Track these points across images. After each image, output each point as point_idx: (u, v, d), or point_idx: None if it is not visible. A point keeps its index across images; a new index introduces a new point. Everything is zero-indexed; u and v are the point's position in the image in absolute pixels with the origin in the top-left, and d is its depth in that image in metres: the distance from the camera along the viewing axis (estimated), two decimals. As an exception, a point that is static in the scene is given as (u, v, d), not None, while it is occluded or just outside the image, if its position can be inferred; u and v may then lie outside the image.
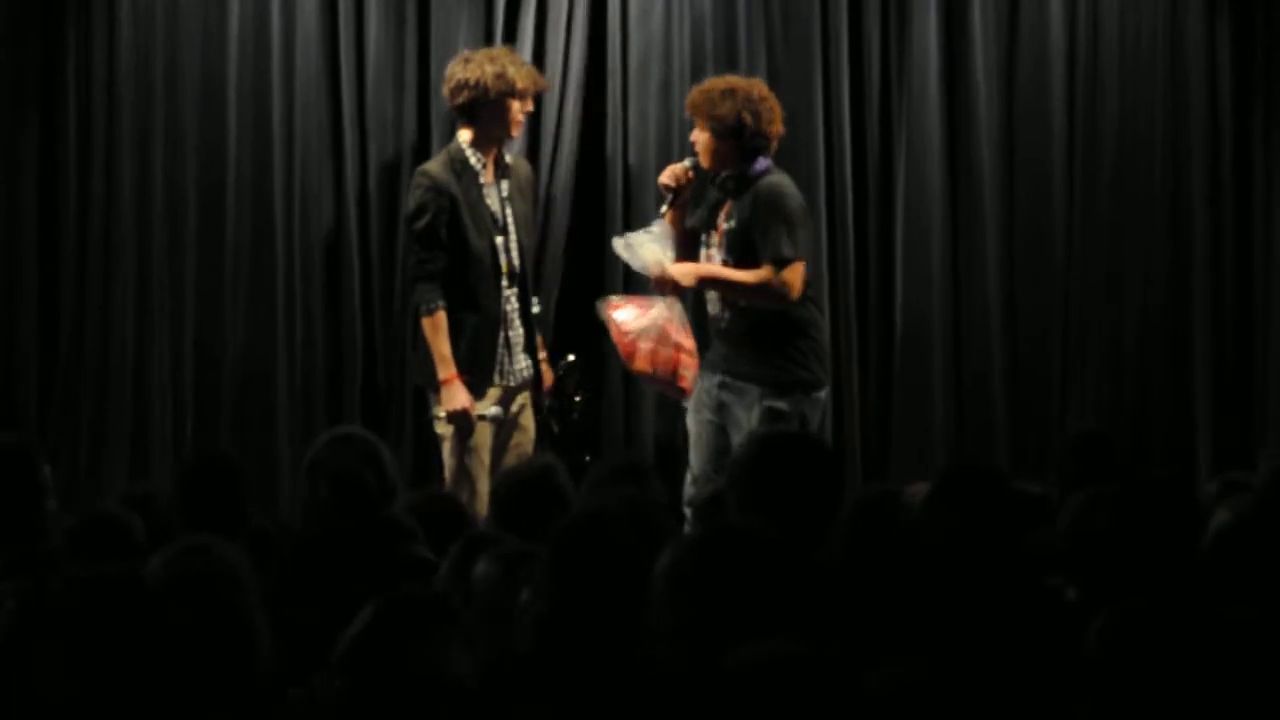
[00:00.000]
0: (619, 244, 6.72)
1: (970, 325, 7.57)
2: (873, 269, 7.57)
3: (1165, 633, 3.04)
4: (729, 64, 7.41)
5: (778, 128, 6.74)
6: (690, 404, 6.82)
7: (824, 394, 6.77)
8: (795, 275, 6.58)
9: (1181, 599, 3.61)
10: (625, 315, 6.69)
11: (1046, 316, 7.57)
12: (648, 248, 6.64)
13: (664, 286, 6.64)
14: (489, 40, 7.29)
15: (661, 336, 6.65)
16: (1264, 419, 7.45)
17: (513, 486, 5.19)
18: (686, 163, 6.76)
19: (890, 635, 3.39)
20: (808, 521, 4.12)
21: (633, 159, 7.44)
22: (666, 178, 6.77)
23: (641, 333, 6.66)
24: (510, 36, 7.36)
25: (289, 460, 7.20)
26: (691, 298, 6.91)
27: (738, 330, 6.70)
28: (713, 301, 6.78)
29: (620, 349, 6.70)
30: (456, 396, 6.70)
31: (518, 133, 6.97)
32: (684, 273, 6.65)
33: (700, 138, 6.70)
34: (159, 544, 4.22)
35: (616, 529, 3.72)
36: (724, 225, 6.71)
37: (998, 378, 7.54)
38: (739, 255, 6.66)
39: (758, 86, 6.79)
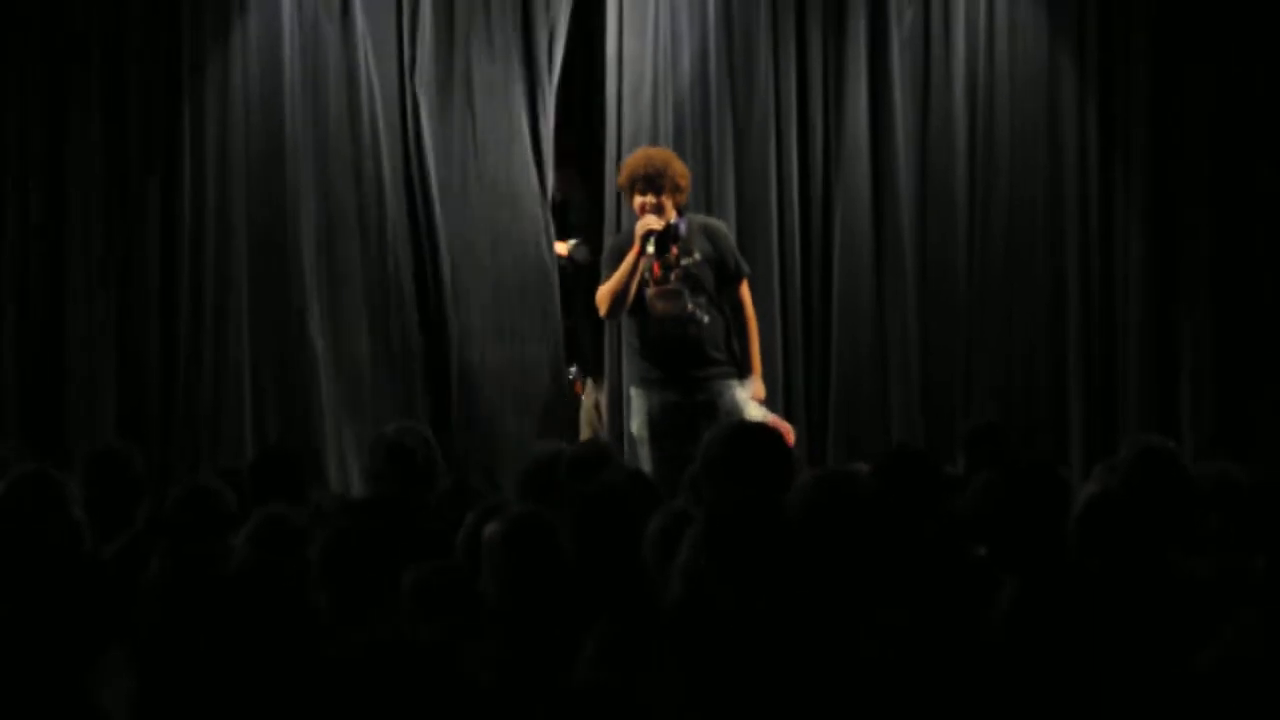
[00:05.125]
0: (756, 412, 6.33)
1: (893, 347, 7.38)
2: (815, 304, 7.37)
3: (1065, 595, 2.88)
4: (703, 139, 7.21)
5: None
6: (647, 434, 6.41)
7: None
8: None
9: (1075, 566, 3.52)
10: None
11: (953, 337, 7.40)
12: (750, 409, 6.34)
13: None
14: None
15: None
16: (1126, 414, 7.29)
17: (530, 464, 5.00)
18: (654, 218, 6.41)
19: (842, 586, 3.23)
20: (768, 493, 3.90)
21: (624, 224, 7.01)
22: (653, 224, 6.35)
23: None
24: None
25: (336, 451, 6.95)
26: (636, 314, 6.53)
27: (714, 331, 6.43)
28: (672, 301, 6.38)
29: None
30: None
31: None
32: (762, 395, 6.46)
33: (668, 201, 6.40)
34: (246, 512, 4.07)
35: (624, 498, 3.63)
36: (685, 261, 6.41)
37: (914, 384, 7.36)
38: (711, 284, 6.42)
39: None
